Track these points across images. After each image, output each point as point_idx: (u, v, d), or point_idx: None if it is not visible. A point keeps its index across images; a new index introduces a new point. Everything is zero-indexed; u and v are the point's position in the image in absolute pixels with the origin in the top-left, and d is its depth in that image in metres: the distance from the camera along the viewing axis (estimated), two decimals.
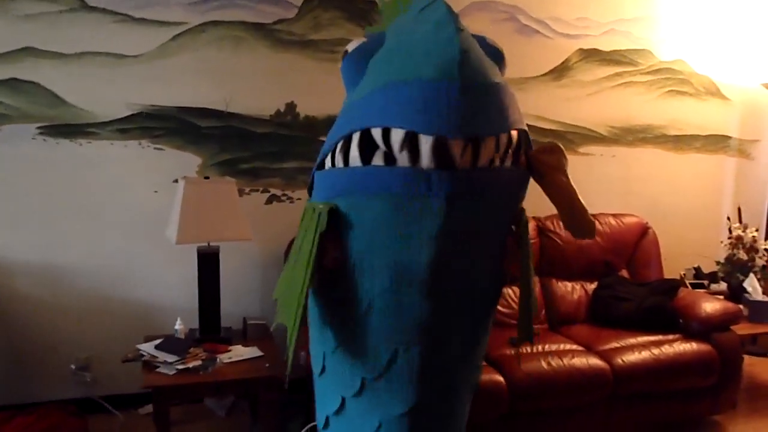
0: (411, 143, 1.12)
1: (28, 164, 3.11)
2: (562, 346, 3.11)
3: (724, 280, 3.84)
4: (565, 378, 2.88)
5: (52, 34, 3.05)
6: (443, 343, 1.42)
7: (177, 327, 2.92)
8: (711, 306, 3.27)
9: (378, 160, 1.17)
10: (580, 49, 3.93)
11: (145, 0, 3.14)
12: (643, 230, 3.83)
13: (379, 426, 1.45)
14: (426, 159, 1.12)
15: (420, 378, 1.42)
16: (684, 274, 3.91)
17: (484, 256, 1.41)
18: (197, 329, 2.97)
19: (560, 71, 3.91)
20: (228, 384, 2.65)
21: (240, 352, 2.82)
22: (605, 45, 3.97)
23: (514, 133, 1.30)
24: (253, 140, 3.38)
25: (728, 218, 4.16)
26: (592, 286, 3.62)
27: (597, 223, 3.73)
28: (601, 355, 3.04)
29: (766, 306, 3.54)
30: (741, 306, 3.43)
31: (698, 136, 4.27)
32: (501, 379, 2.80)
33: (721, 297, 3.58)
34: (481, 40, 1.34)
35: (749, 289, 3.66)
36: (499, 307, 2.89)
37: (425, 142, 1.12)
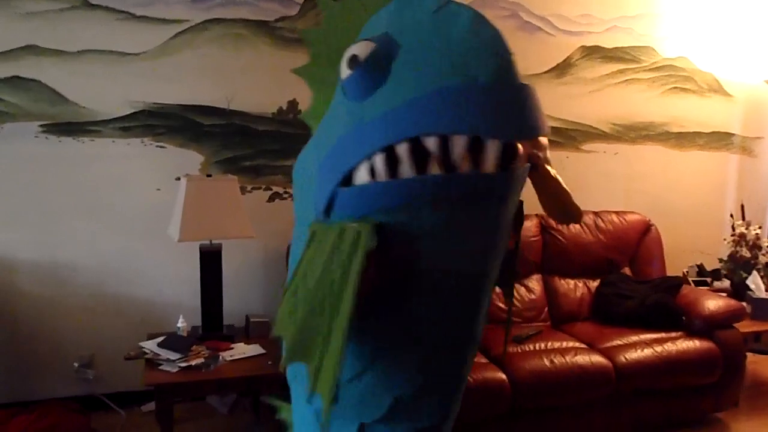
0: (473, 149, 1.09)
1: (31, 162, 3.11)
2: (564, 344, 3.10)
3: (727, 278, 3.83)
4: (568, 375, 2.87)
5: (54, 31, 3.05)
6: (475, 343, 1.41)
7: (179, 325, 2.92)
8: (714, 303, 3.26)
9: (434, 168, 1.11)
10: (583, 46, 3.92)
11: None
12: (646, 227, 3.82)
13: None
14: (490, 163, 1.10)
15: (460, 380, 1.40)
16: (687, 272, 3.91)
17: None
18: (200, 327, 2.97)
19: (563, 68, 3.90)
20: (230, 381, 2.65)
21: (242, 349, 2.82)
22: (608, 42, 3.96)
23: None
24: (255, 138, 3.38)
25: (731, 215, 4.15)
26: (594, 284, 3.62)
27: (600, 220, 3.74)
28: (604, 352, 3.04)
29: None
30: (744, 303, 3.42)
31: (701, 133, 4.27)
32: (503, 376, 2.79)
33: (724, 294, 3.56)
34: None
35: (752, 286, 3.65)
36: (502, 305, 2.90)
37: (492, 147, 1.09)
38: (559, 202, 2.08)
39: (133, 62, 3.17)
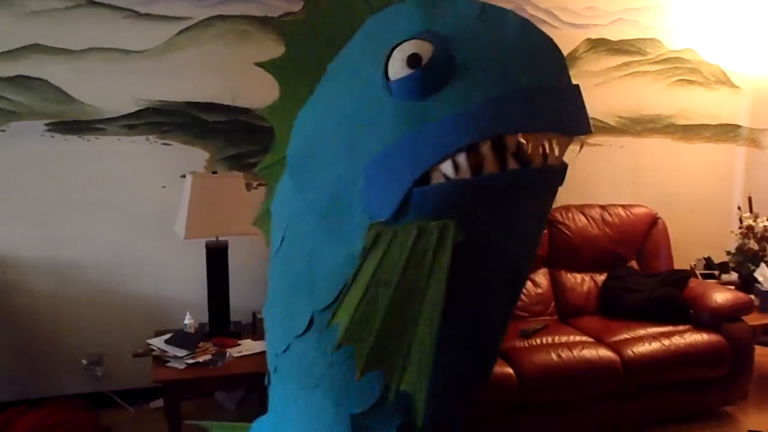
0: (544, 144, 1.18)
1: (37, 161, 3.12)
2: (572, 338, 3.10)
3: (734, 271, 3.81)
4: (575, 370, 2.87)
5: (58, 30, 3.05)
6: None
7: (186, 321, 2.93)
8: (722, 296, 3.25)
9: (512, 164, 1.16)
10: (588, 39, 3.90)
11: None
12: (653, 221, 3.80)
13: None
14: (554, 157, 1.18)
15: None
16: (694, 265, 3.89)
17: None
18: (207, 324, 2.98)
19: (568, 61, 3.83)
20: (238, 378, 2.66)
21: (250, 346, 2.83)
22: (613, 34, 3.94)
23: None
24: (260, 134, 3.37)
25: (739, 208, 4.13)
26: (601, 278, 3.61)
27: (606, 213, 3.72)
28: (611, 346, 3.03)
29: None
30: (752, 296, 3.41)
31: (708, 125, 4.24)
32: (511, 371, 2.79)
33: (732, 287, 3.55)
34: None
35: (760, 279, 3.63)
36: None
37: (562, 143, 1.19)
38: None
39: (137, 60, 3.17)
